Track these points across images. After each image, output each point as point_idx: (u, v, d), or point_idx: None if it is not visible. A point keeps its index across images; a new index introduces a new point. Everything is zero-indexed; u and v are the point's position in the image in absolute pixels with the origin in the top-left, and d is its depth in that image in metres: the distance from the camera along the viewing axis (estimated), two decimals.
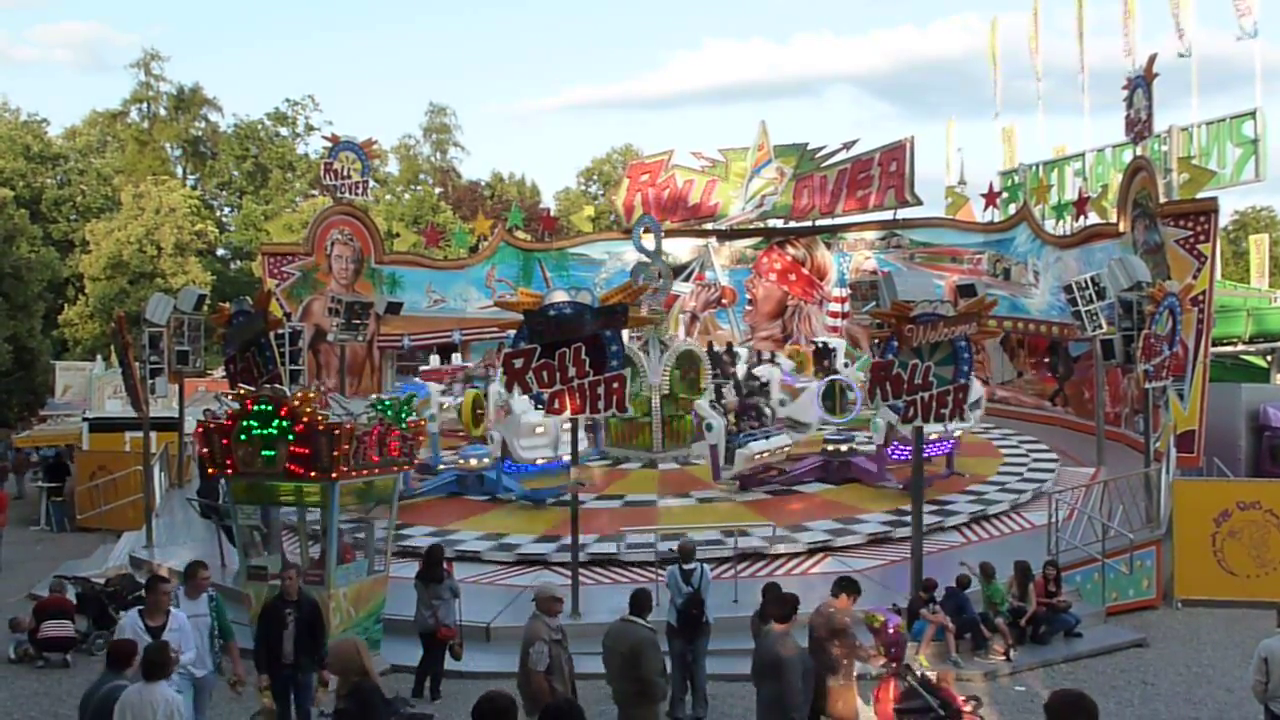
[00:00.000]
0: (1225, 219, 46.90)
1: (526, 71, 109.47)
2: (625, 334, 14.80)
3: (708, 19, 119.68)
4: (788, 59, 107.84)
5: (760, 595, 10.27)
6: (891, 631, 10.22)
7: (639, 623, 8.97)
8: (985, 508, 17.51)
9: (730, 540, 14.88)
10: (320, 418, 11.56)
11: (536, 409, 14.39)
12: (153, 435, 19.62)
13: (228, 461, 11.95)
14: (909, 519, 13.77)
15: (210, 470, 13.21)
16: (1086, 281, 19.78)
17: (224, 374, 21.64)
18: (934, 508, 16.75)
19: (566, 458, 15.92)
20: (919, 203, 30.54)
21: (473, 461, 19.27)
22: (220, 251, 55.90)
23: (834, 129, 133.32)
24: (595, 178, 65.56)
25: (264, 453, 11.61)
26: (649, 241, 23.04)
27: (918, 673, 9.82)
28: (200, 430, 12.49)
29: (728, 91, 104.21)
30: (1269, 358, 28.47)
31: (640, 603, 9.27)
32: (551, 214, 39.13)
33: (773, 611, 8.71)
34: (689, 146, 33.62)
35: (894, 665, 9.78)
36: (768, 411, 20.16)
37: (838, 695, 9.04)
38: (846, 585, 9.68)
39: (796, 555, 15.41)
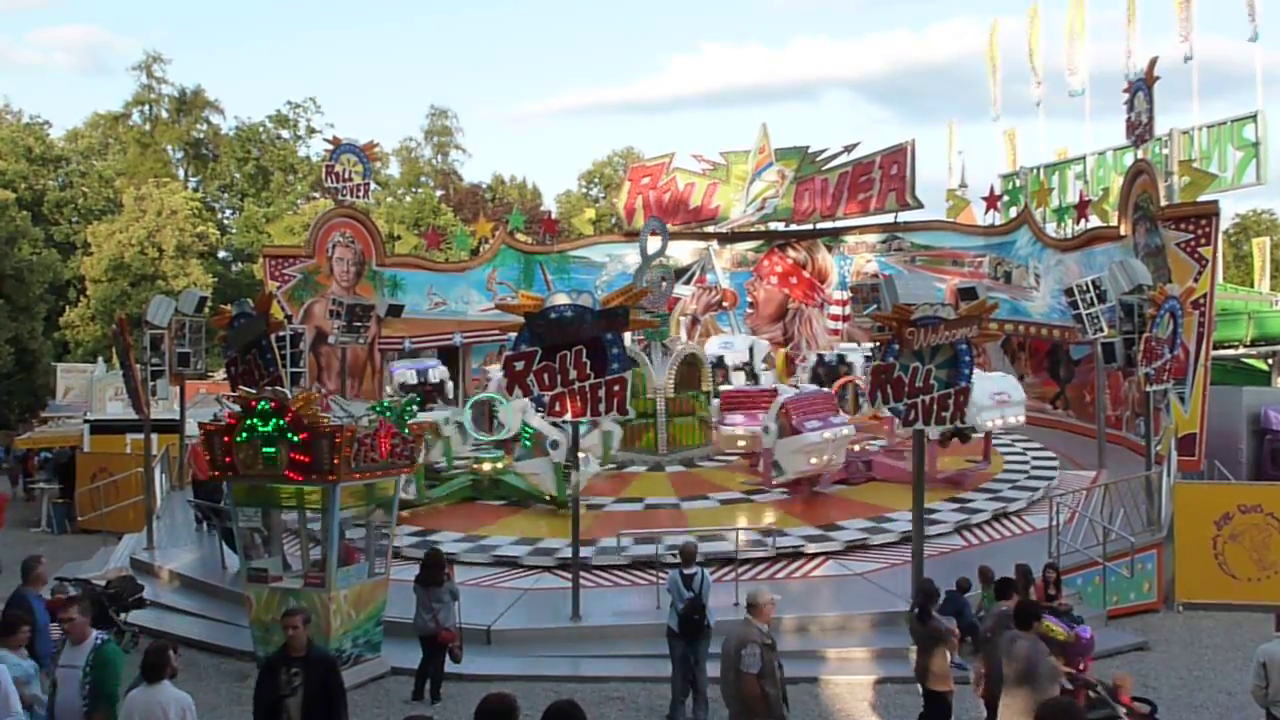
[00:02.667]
0: (1226, 222, 46.90)
1: (526, 75, 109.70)
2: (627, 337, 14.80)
3: (705, 23, 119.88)
4: (785, 63, 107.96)
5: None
6: (1084, 641, 10.23)
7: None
8: (1005, 505, 17.55)
9: (770, 540, 15.14)
10: (321, 420, 11.57)
11: None
12: (154, 437, 19.62)
13: (228, 463, 11.98)
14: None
15: (210, 473, 13.20)
16: (1087, 284, 19.78)
17: (225, 376, 21.66)
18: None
19: None
20: (920, 206, 30.55)
21: None
22: (221, 254, 55.92)
23: (831, 133, 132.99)
24: (596, 180, 65.61)
25: (265, 454, 11.64)
26: (654, 243, 22.97)
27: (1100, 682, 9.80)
28: (201, 435, 12.50)
29: (725, 95, 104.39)
30: (1270, 361, 28.47)
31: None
32: (552, 217, 39.16)
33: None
34: (687, 150, 33.77)
35: (1081, 674, 9.74)
36: None
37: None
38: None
39: (797, 558, 15.40)
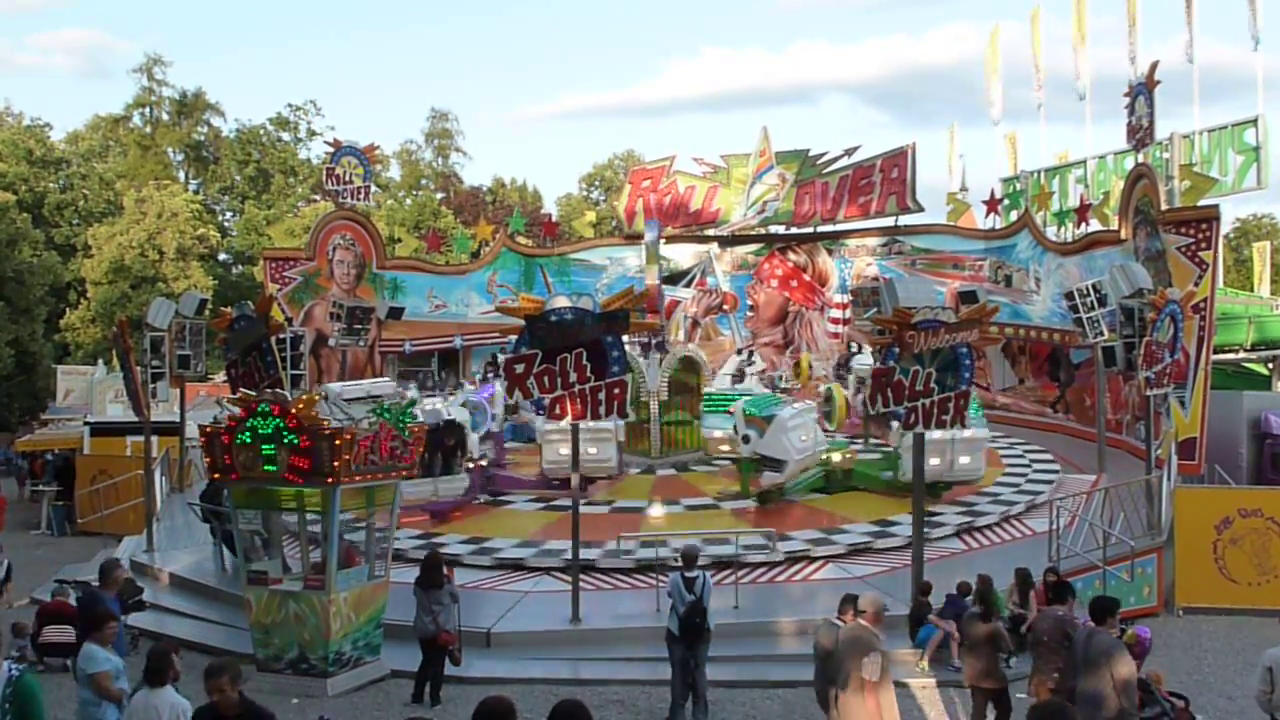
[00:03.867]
0: (1227, 226, 46.90)
1: (526, 77, 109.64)
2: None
3: (705, 27, 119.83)
4: (784, 67, 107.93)
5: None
6: (1144, 641, 10.30)
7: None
8: (973, 519, 17.50)
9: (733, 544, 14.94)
10: (322, 423, 11.58)
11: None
12: (154, 439, 19.63)
13: (228, 465, 12.00)
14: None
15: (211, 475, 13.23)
16: (1088, 288, 19.77)
17: (225, 379, 21.67)
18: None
19: None
20: (920, 209, 30.56)
21: None
22: (222, 256, 55.90)
23: (830, 137, 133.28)
24: (597, 183, 65.62)
25: (265, 456, 11.64)
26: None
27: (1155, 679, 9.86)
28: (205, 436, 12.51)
29: (724, 99, 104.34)
30: (1270, 365, 28.47)
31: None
32: (553, 219, 39.14)
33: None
34: (686, 153, 33.65)
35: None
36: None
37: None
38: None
39: (798, 562, 15.39)
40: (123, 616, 13.89)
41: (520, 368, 13.06)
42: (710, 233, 32.71)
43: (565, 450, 16.85)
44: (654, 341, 23.04)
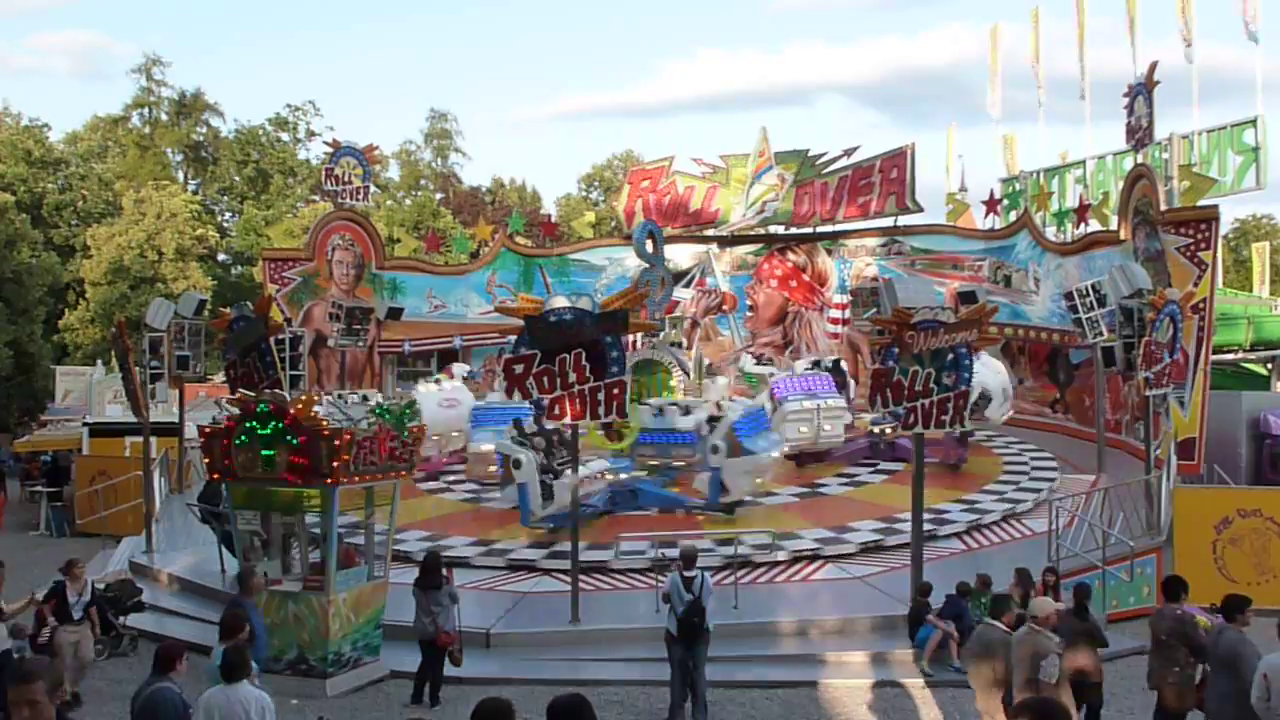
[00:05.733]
0: (1226, 227, 46.97)
1: (524, 78, 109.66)
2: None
3: (700, 28, 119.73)
4: (779, 68, 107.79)
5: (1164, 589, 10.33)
6: None
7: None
8: (979, 516, 17.50)
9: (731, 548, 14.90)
10: (321, 423, 11.58)
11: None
12: (153, 440, 19.61)
13: (227, 466, 11.99)
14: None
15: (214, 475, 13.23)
16: (1087, 289, 19.74)
17: (224, 379, 21.65)
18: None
19: None
20: (920, 209, 30.53)
21: None
22: (221, 257, 55.87)
23: (826, 138, 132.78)
24: (596, 184, 65.62)
25: (264, 457, 11.64)
26: (649, 247, 23.03)
27: None
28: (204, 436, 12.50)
29: (720, 100, 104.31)
30: (1269, 365, 28.48)
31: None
32: (552, 220, 39.12)
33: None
34: (685, 153, 33.63)
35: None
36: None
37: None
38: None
39: (798, 561, 15.39)
40: (121, 618, 14.03)
41: (520, 368, 13.06)
42: (709, 233, 32.68)
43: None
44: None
